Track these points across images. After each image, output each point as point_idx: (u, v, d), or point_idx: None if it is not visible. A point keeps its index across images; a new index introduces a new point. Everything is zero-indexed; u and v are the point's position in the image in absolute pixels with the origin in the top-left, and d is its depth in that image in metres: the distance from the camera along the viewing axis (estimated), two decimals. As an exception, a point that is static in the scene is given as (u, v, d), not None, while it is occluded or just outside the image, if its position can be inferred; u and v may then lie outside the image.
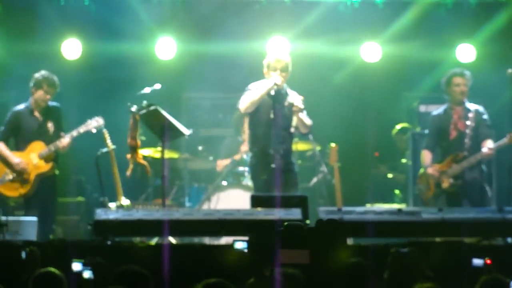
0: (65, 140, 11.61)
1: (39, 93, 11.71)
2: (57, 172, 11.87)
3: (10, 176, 11.68)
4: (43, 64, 12.50)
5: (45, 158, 11.66)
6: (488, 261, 8.03)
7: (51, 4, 13.85)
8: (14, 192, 11.72)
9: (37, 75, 11.78)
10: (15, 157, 11.64)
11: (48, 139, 11.69)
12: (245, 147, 12.63)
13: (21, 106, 11.88)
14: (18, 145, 11.80)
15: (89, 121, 11.72)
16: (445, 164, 11.49)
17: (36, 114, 11.79)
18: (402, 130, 14.08)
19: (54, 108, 11.88)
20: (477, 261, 7.91)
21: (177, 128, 11.25)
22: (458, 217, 9.97)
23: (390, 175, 14.13)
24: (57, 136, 11.70)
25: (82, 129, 11.68)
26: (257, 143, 11.22)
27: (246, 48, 13.45)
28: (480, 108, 11.65)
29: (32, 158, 11.65)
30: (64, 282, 6.70)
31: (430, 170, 11.56)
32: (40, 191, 11.70)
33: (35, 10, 13.96)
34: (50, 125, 11.77)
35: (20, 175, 11.66)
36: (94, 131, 11.71)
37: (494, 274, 6.60)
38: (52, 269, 6.78)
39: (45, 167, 11.69)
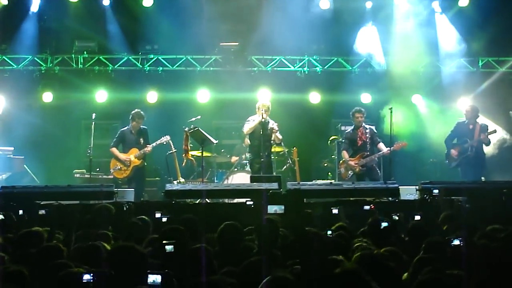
0: (148, 148, 11.54)
1: (133, 123, 11.64)
2: (145, 164, 11.79)
3: (119, 166, 11.65)
4: (137, 105, 12.42)
5: (138, 158, 11.57)
6: (372, 207, 8.13)
7: (141, 71, 13.83)
8: (120, 175, 11.67)
9: (133, 112, 11.73)
10: (122, 156, 11.62)
11: (140, 147, 11.59)
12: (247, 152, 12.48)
13: (125, 128, 11.79)
14: (124, 150, 11.71)
15: (162, 138, 11.64)
16: (356, 158, 11.33)
17: (133, 132, 11.69)
18: (333, 140, 13.88)
19: (143, 129, 11.76)
20: (366, 207, 8.08)
21: (209, 139, 11.33)
22: (363, 186, 10.06)
23: (326, 164, 14.00)
24: (145, 145, 11.61)
25: (158, 142, 11.61)
26: (253, 148, 11.27)
27: (247, 96, 13.27)
28: (372, 127, 11.53)
29: (131, 158, 11.59)
30: (150, 224, 6.74)
31: (351, 162, 11.31)
32: (135, 175, 11.61)
33: (132, 76, 13.92)
34: (141, 139, 11.65)
35: (125, 166, 11.62)
36: (164, 143, 11.63)
37: (376, 216, 6.58)
38: (144, 217, 6.84)
39: (138, 162, 11.59)
